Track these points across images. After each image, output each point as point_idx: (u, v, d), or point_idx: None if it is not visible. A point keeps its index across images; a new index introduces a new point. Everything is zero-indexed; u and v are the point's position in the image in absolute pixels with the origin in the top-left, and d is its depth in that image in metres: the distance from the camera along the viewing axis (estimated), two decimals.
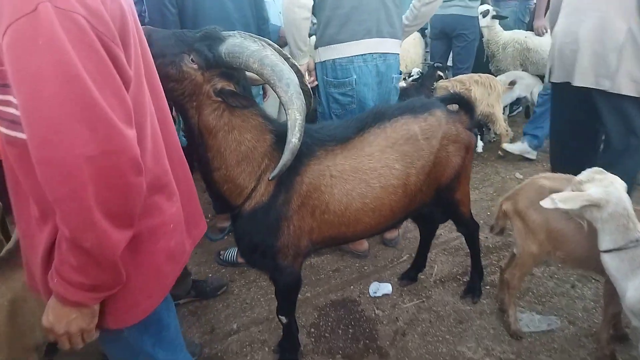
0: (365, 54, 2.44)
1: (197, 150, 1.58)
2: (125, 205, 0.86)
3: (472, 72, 4.48)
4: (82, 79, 0.75)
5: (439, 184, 2.04)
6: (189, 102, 1.48)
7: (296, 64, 1.61)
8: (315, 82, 2.69)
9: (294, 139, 1.43)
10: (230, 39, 1.45)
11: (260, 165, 1.63)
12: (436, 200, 2.10)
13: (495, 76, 4.43)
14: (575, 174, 1.70)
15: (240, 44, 1.42)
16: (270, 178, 1.52)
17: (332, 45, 2.47)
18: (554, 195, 1.63)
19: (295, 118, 1.41)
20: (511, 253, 2.31)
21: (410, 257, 2.95)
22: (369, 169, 1.80)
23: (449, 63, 5.02)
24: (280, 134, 1.66)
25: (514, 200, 2.08)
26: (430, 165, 1.95)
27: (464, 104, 2.13)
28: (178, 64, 1.40)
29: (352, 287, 2.71)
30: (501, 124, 4.23)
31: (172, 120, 1.14)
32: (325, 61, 2.53)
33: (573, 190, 1.67)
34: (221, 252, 3.00)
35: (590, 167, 1.70)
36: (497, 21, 4.73)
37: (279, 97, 1.41)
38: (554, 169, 3.05)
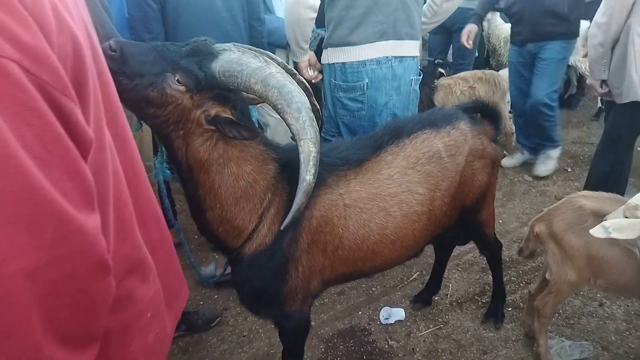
0: (379, 57, 2.19)
1: (185, 186, 1.31)
2: (87, 322, 0.59)
3: (473, 69, 4.24)
4: (17, 159, 0.47)
5: (464, 205, 1.80)
6: (174, 131, 1.20)
7: (304, 81, 1.33)
8: (319, 78, 2.43)
9: (308, 176, 1.16)
10: (225, 54, 1.16)
11: (263, 202, 1.36)
12: (459, 223, 1.86)
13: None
14: (609, 190, 1.49)
15: (238, 60, 1.14)
16: (282, 228, 1.26)
17: (342, 48, 2.20)
18: (607, 223, 1.39)
19: (309, 151, 1.14)
20: (541, 276, 2.08)
21: (421, 275, 2.72)
22: (389, 195, 1.55)
23: (449, 59, 4.76)
24: (284, 162, 1.40)
25: (548, 222, 1.85)
26: (455, 185, 1.70)
27: (489, 112, 1.89)
28: (160, 85, 1.13)
29: (360, 312, 2.46)
30: (506, 123, 4.01)
31: (141, 165, 0.86)
32: (333, 64, 2.27)
33: (627, 217, 1.44)
34: (202, 269, 2.71)
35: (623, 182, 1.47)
36: (497, 14, 4.49)
37: (288, 126, 1.14)
38: (591, 185, 2.86)
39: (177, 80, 1.14)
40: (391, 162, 1.59)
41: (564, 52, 3.53)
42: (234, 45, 1.23)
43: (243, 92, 1.25)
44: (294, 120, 1.13)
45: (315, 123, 1.16)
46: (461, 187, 1.73)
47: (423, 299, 2.46)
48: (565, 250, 1.78)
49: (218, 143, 1.24)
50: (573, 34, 3.53)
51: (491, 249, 2.12)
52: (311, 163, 1.16)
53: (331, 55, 2.27)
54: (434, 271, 2.42)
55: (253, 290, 1.46)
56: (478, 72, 3.90)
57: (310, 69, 2.41)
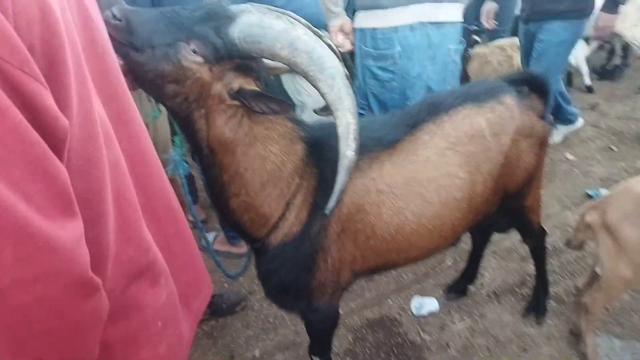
0: (413, 23, 1.96)
1: (208, 173, 1.18)
2: (71, 350, 0.48)
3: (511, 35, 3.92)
4: None
5: (507, 190, 1.62)
6: (195, 111, 1.08)
7: (332, 44, 1.17)
8: (347, 47, 2.24)
9: (349, 151, 1.04)
10: (243, 17, 1.01)
11: (290, 186, 1.23)
12: (501, 209, 1.69)
13: None
14: None
15: (259, 23, 1.00)
16: (327, 212, 1.11)
17: (372, 11, 1.99)
18: None
19: (347, 122, 1.01)
20: (590, 270, 1.89)
21: (455, 262, 2.56)
22: (426, 180, 1.39)
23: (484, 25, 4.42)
24: (312, 141, 1.26)
25: (602, 211, 1.65)
26: (499, 168, 1.53)
27: (537, 85, 1.68)
28: (174, 57, 1.00)
29: (390, 301, 2.34)
30: None
31: (152, 151, 0.74)
32: (364, 28, 2.07)
33: None
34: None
35: None
36: None
37: (322, 95, 1.01)
38: None
39: (193, 50, 1.01)
40: (428, 142, 1.43)
41: (564, 33, 3.03)
42: (252, 5, 1.09)
43: (266, 60, 1.12)
44: (328, 88, 1.00)
45: (351, 91, 1.03)
46: (505, 170, 1.56)
47: (457, 289, 2.31)
48: (620, 243, 1.59)
49: (243, 120, 1.11)
50: (580, 12, 2.99)
51: (535, 238, 1.95)
52: (351, 136, 1.03)
53: (361, 19, 2.06)
54: (470, 259, 2.26)
55: (279, 283, 1.35)
56: (516, 40, 3.58)
57: (339, 35, 2.19)
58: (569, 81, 4.85)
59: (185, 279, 0.82)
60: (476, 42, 3.69)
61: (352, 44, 2.23)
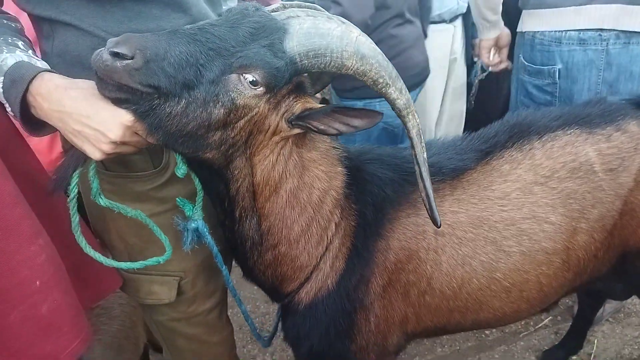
0: (586, 30, 1.49)
1: (240, 227, 0.98)
2: None
3: None
4: None
5: (627, 246, 1.22)
6: (239, 155, 0.88)
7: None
8: (504, 66, 1.91)
9: (424, 154, 0.91)
10: (294, 25, 0.81)
11: (329, 226, 1.00)
12: (619, 272, 1.27)
13: None
14: None
15: (316, 31, 0.80)
16: (438, 225, 0.94)
17: (535, 11, 1.56)
18: None
19: (417, 124, 0.90)
20: None
21: (554, 321, 2.09)
22: (502, 222, 1.09)
23: None
24: (351, 167, 1.03)
25: None
26: (614, 216, 1.15)
27: None
28: (226, 96, 0.79)
29: None
30: None
31: None
32: (525, 32, 1.66)
33: None
34: None
35: None
36: None
37: (392, 102, 0.87)
38: None
39: (252, 82, 0.80)
40: (508, 174, 1.12)
41: None
42: (284, 5, 0.91)
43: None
44: (399, 93, 0.86)
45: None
46: (625, 220, 1.16)
47: (555, 358, 1.86)
48: None
49: (292, 148, 0.93)
50: None
51: None
52: (423, 138, 0.91)
53: (524, 21, 1.66)
54: (575, 323, 1.80)
55: (311, 349, 1.11)
56: None
57: (492, 51, 1.83)
58: None
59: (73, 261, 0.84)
60: None
61: (508, 59, 1.87)
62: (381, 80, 0.84)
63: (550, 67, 1.58)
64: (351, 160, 1.03)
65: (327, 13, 0.87)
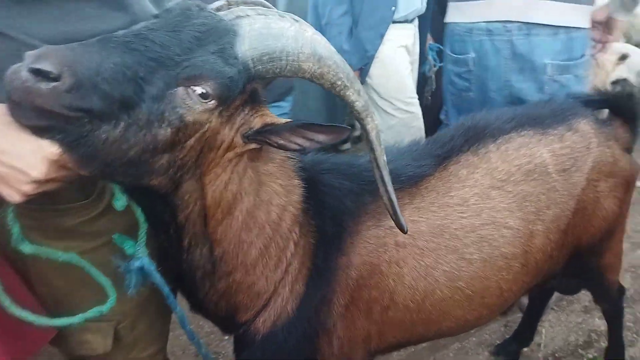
0: (492, 22, 1.56)
1: (189, 256, 0.86)
2: None
3: None
4: None
5: (579, 244, 1.24)
6: (186, 177, 0.76)
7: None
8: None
9: (384, 156, 0.85)
10: (244, 25, 0.71)
11: (287, 247, 0.91)
12: (571, 268, 1.29)
13: None
14: None
15: (269, 31, 0.71)
16: (405, 231, 0.90)
17: (455, 3, 1.66)
18: None
19: (375, 125, 0.84)
20: None
21: (506, 317, 2.13)
22: (462, 229, 1.06)
23: None
24: (305, 172, 0.95)
25: None
26: (568, 216, 1.16)
27: (623, 107, 1.29)
28: (174, 113, 0.68)
29: None
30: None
31: None
32: (448, 23, 1.75)
33: None
34: None
35: None
36: None
37: (350, 103, 0.81)
38: None
39: (202, 95, 0.68)
40: (466, 179, 1.09)
41: None
42: (229, 1, 0.80)
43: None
44: (357, 95, 0.80)
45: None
46: (577, 219, 1.18)
47: (508, 350, 1.89)
48: None
49: (247, 166, 0.82)
50: None
51: (612, 300, 1.51)
52: (381, 141, 0.85)
53: (448, 12, 1.73)
54: (526, 317, 1.84)
55: None
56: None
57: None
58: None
59: None
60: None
61: None
62: (339, 83, 0.77)
63: (465, 55, 1.67)
64: (307, 171, 0.94)
65: (276, 10, 0.77)
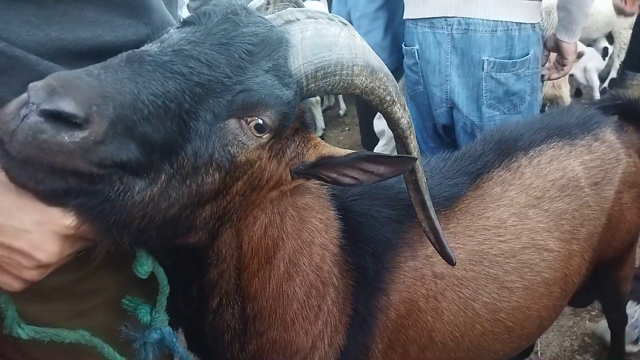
0: (433, 18, 1.55)
1: (218, 318, 0.71)
2: None
3: None
4: None
5: (601, 259, 1.18)
6: (230, 226, 0.62)
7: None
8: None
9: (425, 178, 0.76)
10: (295, 33, 0.56)
11: (327, 290, 0.77)
12: (589, 282, 1.23)
13: None
14: None
15: (322, 40, 0.57)
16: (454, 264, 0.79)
17: (407, 0, 1.64)
18: None
19: (417, 145, 0.74)
20: None
21: None
22: (502, 255, 0.95)
23: None
24: (338, 199, 0.82)
25: None
26: (599, 232, 1.08)
27: (636, 113, 1.24)
28: (225, 153, 0.52)
29: None
30: None
31: None
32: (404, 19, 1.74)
33: None
34: None
35: None
36: None
37: (395, 121, 0.69)
38: None
39: (257, 127, 0.54)
40: (500, 197, 0.98)
41: None
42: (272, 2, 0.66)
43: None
44: (403, 111, 0.70)
45: None
46: (605, 234, 1.11)
47: None
48: None
49: (288, 205, 0.68)
50: None
51: (622, 311, 1.48)
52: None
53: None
54: None
55: None
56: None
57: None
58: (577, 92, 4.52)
59: None
60: None
61: None
62: (388, 98, 0.66)
63: (412, 47, 1.66)
64: (339, 199, 0.80)
65: (319, 10, 0.62)
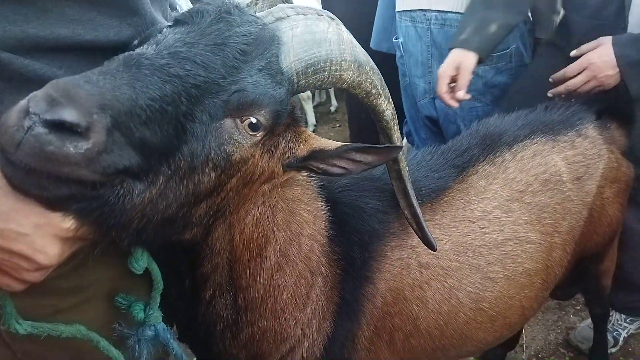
0: (414, 11, 1.58)
1: (209, 308, 0.73)
2: None
3: None
4: None
5: (583, 252, 1.21)
6: (223, 221, 0.64)
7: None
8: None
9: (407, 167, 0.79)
10: (285, 30, 0.58)
11: (316, 279, 0.79)
12: (572, 275, 1.26)
13: None
14: None
15: (313, 36, 0.59)
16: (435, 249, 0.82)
17: None
18: None
19: (400, 136, 0.77)
20: None
21: None
22: (485, 246, 0.98)
23: None
24: (326, 191, 0.84)
25: None
26: (581, 226, 1.12)
27: (619, 110, 1.27)
28: (221, 152, 0.54)
29: None
30: None
31: None
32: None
33: None
34: None
35: None
36: None
37: (379, 113, 0.72)
38: None
39: (251, 126, 0.55)
40: (485, 190, 1.01)
41: None
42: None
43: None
44: (388, 102, 0.72)
45: None
46: (587, 228, 1.14)
47: (495, 355, 1.87)
48: None
49: (279, 197, 0.70)
50: None
51: (604, 304, 1.52)
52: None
53: None
54: None
55: None
56: None
57: None
58: None
59: None
60: None
61: None
62: (374, 91, 0.69)
63: (397, 40, 1.71)
64: (326, 190, 0.83)
65: (314, 10, 0.64)
